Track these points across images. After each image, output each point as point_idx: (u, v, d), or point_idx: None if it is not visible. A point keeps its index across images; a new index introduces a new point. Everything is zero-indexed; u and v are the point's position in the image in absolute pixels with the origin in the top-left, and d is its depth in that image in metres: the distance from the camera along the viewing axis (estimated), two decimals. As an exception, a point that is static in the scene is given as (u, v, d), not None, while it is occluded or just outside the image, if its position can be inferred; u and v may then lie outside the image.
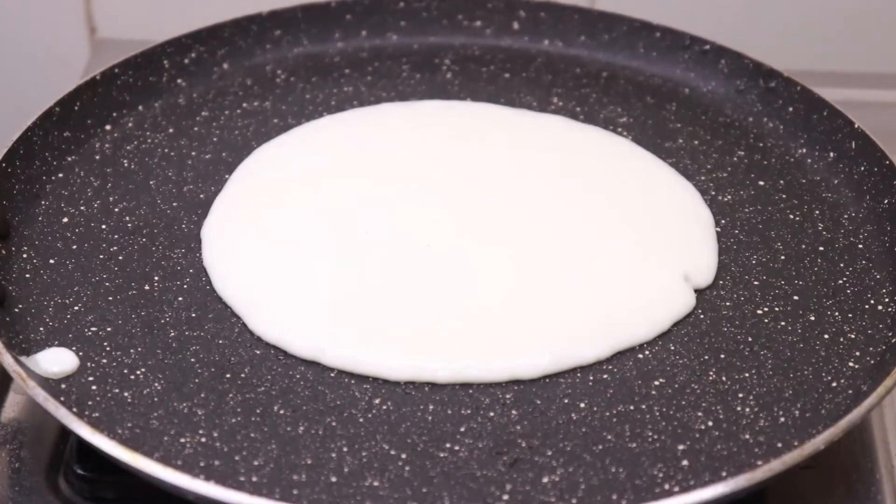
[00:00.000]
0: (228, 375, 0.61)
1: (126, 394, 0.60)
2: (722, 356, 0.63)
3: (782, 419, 0.60)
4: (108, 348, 0.62)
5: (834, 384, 0.62)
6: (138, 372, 0.61)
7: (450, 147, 0.76)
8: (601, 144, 0.77)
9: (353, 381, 0.61)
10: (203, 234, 0.69)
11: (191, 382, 0.61)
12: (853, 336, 0.64)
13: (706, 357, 0.63)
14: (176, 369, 0.61)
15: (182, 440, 0.58)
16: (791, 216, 0.72)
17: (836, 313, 0.66)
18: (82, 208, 0.71)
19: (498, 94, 0.81)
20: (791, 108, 0.79)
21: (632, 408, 0.60)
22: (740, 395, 0.61)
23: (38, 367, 0.60)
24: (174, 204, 0.72)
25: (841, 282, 0.68)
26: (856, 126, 0.75)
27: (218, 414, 0.59)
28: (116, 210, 0.71)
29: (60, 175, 0.73)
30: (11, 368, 0.58)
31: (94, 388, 0.60)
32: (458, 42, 0.86)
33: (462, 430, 0.59)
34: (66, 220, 0.70)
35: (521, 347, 0.62)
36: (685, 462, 0.57)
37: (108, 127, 0.77)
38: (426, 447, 0.58)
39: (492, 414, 0.60)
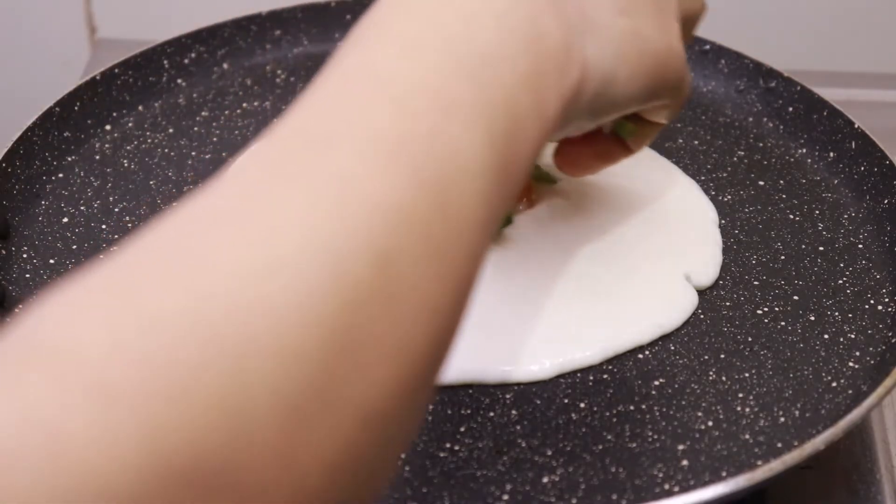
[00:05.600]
0: (228, 375, 0.61)
1: (126, 394, 0.60)
2: (722, 356, 0.63)
3: (782, 419, 0.59)
4: (108, 348, 0.62)
5: (834, 384, 0.62)
6: (138, 372, 0.61)
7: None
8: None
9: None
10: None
11: (191, 382, 0.60)
12: (853, 336, 0.64)
13: (706, 357, 0.63)
14: (176, 369, 0.61)
15: (182, 440, 0.58)
16: (791, 216, 0.72)
17: (836, 313, 0.66)
18: (82, 208, 0.71)
19: (498, 94, 0.81)
20: (791, 108, 0.79)
21: (632, 408, 0.60)
22: (740, 395, 0.61)
23: (38, 367, 0.60)
24: (174, 204, 0.71)
25: (841, 282, 0.68)
26: (856, 126, 0.75)
27: (218, 414, 0.59)
28: (116, 210, 0.71)
29: (60, 175, 0.73)
30: (11, 368, 0.58)
31: (94, 388, 0.60)
32: (458, 42, 0.86)
33: (462, 430, 0.59)
34: (66, 220, 0.70)
35: (521, 351, 0.62)
36: (685, 462, 0.57)
37: (108, 127, 0.77)
38: (426, 447, 0.58)
39: (492, 414, 0.60)
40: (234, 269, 0.34)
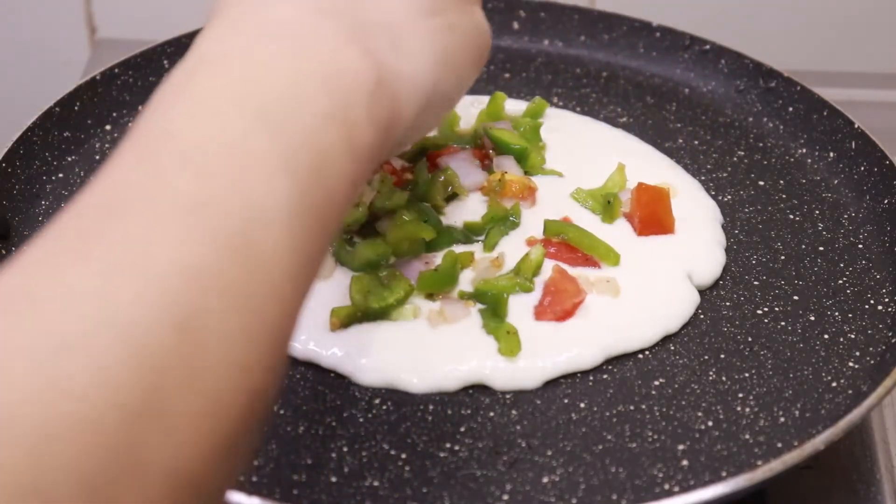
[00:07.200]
0: (228, 375, 0.61)
1: (126, 394, 0.60)
2: (722, 356, 0.63)
3: (782, 419, 0.59)
4: (108, 348, 0.62)
5: (834, 384, 0.62)
6: (138, 372, 0.61)
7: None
8: (606, 139, 0.77)
9: (352, 382, 0.61)
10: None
11: (191, 382, 0.60)
12: (853, 336, 0.64)
13: (706, 357, 0.63)
14: (176, 369, 0.61)
15: (182, 440, 0.58)
16: (791, 216, 0.72)
17: (836, 313, 0.66)
18: (82, 208, 0.71)
19: (498, 94, 0.81)
20: (791, 108, 0.79)
21: (632, 408, 0.60)
22: (740, 395, 0.61)
23: (38, 367, 0.60)
24: None
25: (841, 282, 0.68)
26: (856, 126, 0.75)
27: (218, 414, 0.59)
28: (116, 210, 0.71)
29: (60, 175, 0.73)
30: (11, 368, 0.58)
31: (94, 388, 0.60)
32: (458, 42, 0.86)
33: (462, 430, 0.59)
34: (66, 220, 0.70)
35: (522, 354, 0.62)
36: (685, 462, 0.57)
37: (108, 127, 0.77)
38: (426, 447, 0.58)
39: (492, 414, 0.60)
40: (29, 352, 0.34)
